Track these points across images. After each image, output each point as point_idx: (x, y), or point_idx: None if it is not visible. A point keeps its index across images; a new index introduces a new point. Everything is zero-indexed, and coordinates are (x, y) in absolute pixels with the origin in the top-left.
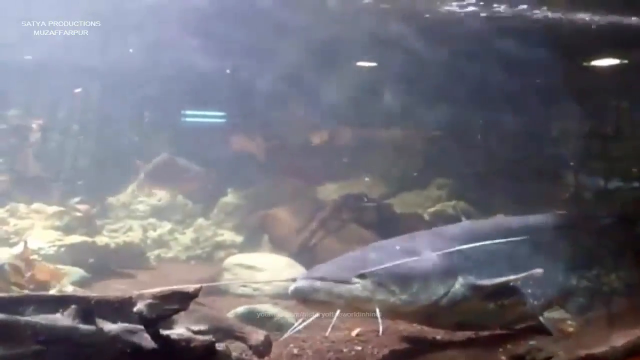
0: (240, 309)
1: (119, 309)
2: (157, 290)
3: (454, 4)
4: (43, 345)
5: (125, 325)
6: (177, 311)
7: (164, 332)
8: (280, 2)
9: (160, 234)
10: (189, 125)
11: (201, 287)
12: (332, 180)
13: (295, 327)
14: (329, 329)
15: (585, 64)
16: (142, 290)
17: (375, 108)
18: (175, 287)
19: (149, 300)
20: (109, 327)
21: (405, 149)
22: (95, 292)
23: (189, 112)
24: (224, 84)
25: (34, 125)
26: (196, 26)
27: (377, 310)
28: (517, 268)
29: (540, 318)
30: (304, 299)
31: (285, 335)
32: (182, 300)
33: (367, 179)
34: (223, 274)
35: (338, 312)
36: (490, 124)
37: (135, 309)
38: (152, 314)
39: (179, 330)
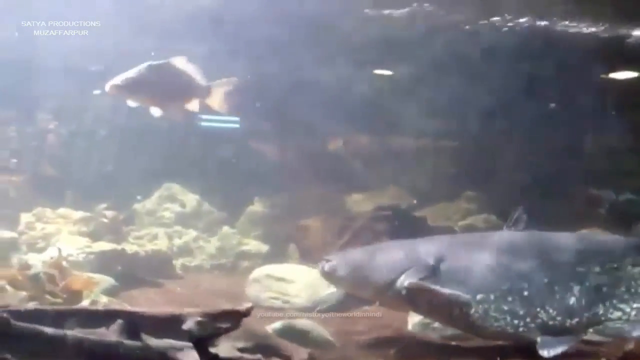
0: (277, 325)
1: (167, 325)
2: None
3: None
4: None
5: (172, 341)
6: (228, 330)
7: (213, 351)
8: None
9: (186, 241)
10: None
11: (252, 307)
12: (359, 190)
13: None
14: None
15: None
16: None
17: (404, 116)
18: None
19: (199, 318)
20: (155, 343)
21: (434, 159)
22: (124, 301)
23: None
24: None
25: (51, 127)
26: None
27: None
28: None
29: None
30: None
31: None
32: (233, 319)
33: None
34: (253, 285)
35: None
36: (526, 136)
37: (184, 327)
38: (202, 332)
39: (226, 349)
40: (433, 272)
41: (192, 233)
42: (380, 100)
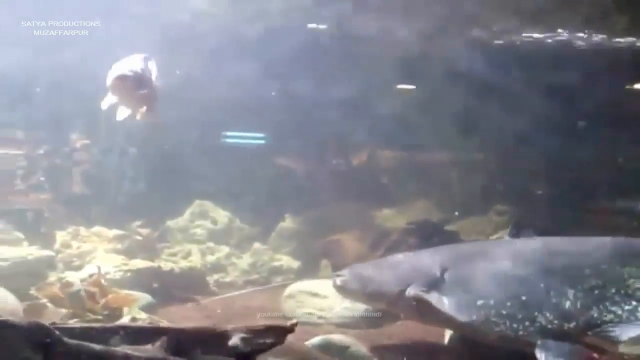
0: (316, 340)
1: (212, 341)
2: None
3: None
4: None
5: (217, 357)
6: (272, 346)
7: None
8: None
9: (218, 258)
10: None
11: (297, 323)
12: (389, 205)
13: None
14: None
15: None
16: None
17: (431, 130)
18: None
19: (244, 334)
20: (200, 359)
21: (463, 172)
22: (162, 317)
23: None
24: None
25: (78, 145)
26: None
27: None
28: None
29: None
30: None
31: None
32: (278, 334)
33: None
34: (287, 301)
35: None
36: (555, 149)
37: (230, 343)
38: (248, 347)
39: None
40: (439, 281)
41: (225, 249)
42: (407, 114)
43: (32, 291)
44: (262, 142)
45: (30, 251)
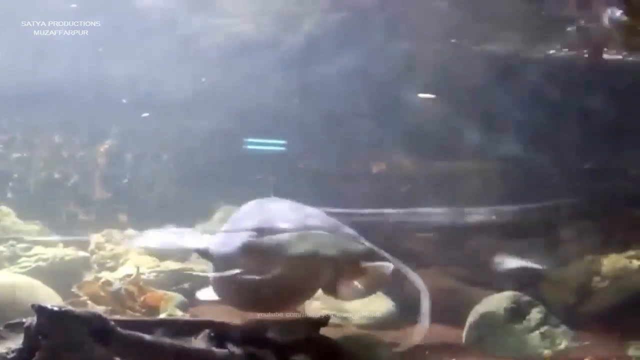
0: (341, 337)
1: (250, 333)
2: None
3: None
4: None
5: (254, 349)
6: (307, 337)
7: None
8: None
9: None
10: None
11: (329, 316)
12: None
13: None
14: None
15: None
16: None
17: (458, 137)
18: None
19: (281, 327)
20: (239, 351)
21: (487, 180)
22: (193, 316)
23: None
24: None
25: (101, 149)
26: None
27: None
28: None
29: None
30: None
31: None
32: (312, 327)
33: None
34: (312, 303)
35: None
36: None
37: (267, 334)
38: (284, 338)
39: (299, 358)
40: None
41: None
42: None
43: (74, 289)
44: (284, 148)
45: (66, 252)
